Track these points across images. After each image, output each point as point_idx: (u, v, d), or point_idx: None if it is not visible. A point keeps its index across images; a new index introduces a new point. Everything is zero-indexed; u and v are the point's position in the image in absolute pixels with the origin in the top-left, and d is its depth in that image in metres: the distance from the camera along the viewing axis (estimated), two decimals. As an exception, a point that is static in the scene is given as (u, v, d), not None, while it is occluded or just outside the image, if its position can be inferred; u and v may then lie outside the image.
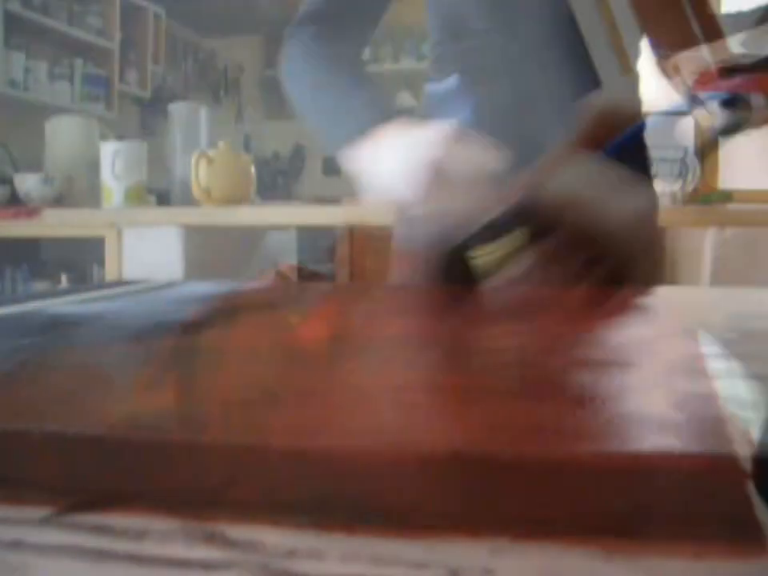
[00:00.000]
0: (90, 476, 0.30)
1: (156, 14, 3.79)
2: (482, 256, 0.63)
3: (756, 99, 0.80)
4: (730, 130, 0.82)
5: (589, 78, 0.89)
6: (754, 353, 0.48)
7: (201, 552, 0.27)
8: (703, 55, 0.86)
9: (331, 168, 4.97)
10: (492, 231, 0.62)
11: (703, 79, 0.83)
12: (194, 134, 2.37)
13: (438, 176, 0.64)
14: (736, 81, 0.82)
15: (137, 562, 0.26)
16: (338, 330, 0.59)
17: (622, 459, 0.27)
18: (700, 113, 0.84)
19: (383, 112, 0.77)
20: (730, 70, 0.83)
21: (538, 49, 0.92)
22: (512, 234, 0.62)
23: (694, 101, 0.83)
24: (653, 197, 1.05)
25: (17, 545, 0.28)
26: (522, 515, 0.27)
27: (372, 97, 0.81)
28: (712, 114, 0.81)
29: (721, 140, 0.78)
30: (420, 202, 0.66)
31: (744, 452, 0.27)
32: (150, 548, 0.27)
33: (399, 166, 0.67)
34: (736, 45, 0.85)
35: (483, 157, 0.64)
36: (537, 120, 0.87)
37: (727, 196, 2.32)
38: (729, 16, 0.85)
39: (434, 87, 0.98)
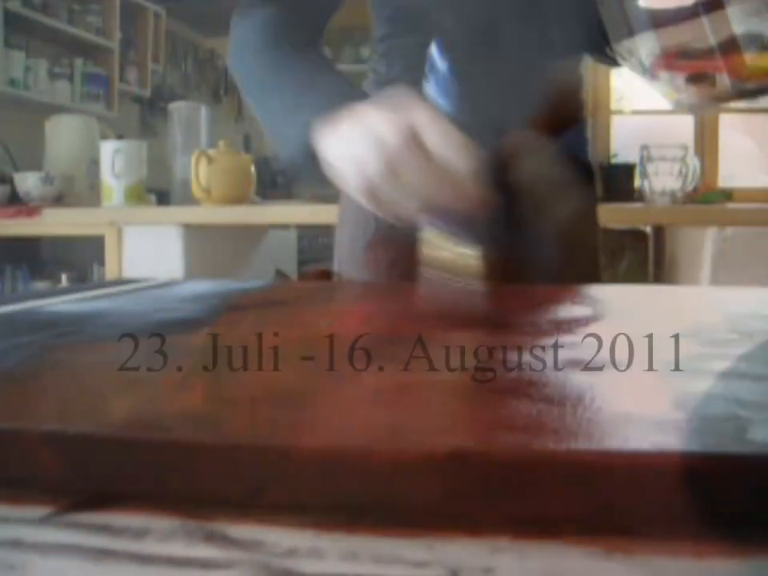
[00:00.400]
0: (90, 475, 0.30)
1: (156, 13, 3.79)
2: (438, 247, 0.59)
3: (721, 78, 0.81)
4: (699, 103, 0.83)
5: (554, 63, 0.87)
6: (754, 353, 0.48)
7: (201, 551, 0.27)
8: (654, 38, 0.86)
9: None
10: (465, 228, 0.58)
11: (662, 61, 0.84)
12: (194, 133, 2.37)
13: (409, 156, 0.56)
14: (695, 62, 0.83)
15: (137, 561, 0.26)
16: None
17: (621, 458, 0.27)
18: (664, 89, 0.84)
19: (351, 92, 0.69)
20: (684, 53, 0.83)
21: (499, 38, 0.91)
22: (466, 242, 0.59)
23: (654, 80, 0.83)
24: (591, 196, 1.02)
25: (17, 544, 0.28)
26: (522, 514, 0.27)
27: (338, 77, 0.73)
28: (678, 90, 0.81)
29: (692, 112, 0.79)
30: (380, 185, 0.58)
31: (743, 452, 0.27)
32: (150, 547, 0.27)
33: (362, 139, 0.59)
34: (685, 32, 0.86)
35: (463, 143, 0.57)
36: (500, 110, 0.86)
37: (727, 195, 2.32)
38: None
39: (377, 83, 0.94)
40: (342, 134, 0.62)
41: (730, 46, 0.81)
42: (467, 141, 0.57)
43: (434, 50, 0.63)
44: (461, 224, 0.58)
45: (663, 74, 0.84)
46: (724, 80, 0.82)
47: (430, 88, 0.63)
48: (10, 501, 0.30)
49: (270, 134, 0.77)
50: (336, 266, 1.00)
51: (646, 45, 0.87)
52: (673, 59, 0.84)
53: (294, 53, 0.77)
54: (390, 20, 0.94)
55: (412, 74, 0.90)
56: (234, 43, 0.84)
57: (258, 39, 0.80)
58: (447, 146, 0.57)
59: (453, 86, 0.62)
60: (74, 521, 0.29)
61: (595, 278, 0.99)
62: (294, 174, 0.70)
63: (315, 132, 0.66)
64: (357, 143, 0.59)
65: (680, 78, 0.83)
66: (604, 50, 0.91)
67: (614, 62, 0.93)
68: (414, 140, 0.56)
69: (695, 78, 0.82)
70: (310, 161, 0.67)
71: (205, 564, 0.26)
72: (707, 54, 0.83)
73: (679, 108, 0.85)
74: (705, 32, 0.84)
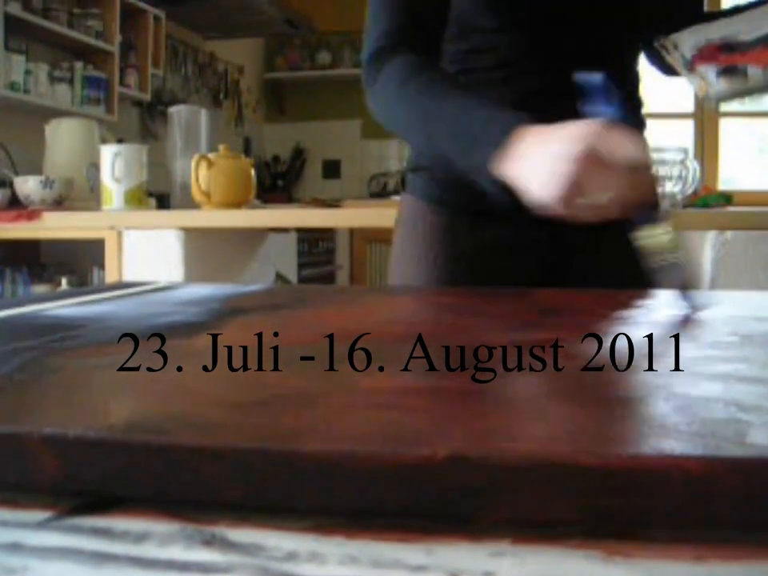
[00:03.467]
0: (90, 479, 0.30)
1: (156, 16, 3.79)
2: (652, 237, 0.68)
3: (753, 70, 0.81)
4: (727, 96, 0.84)
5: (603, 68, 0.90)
6: (754, 356, 0.48)
7: (201, 555, 0.27)
8: (703, 32, 0.87)
9: (331, 171, 4.97)
10: (657, 214, 0.67)
11: (703, 54, 0.84)
12: (194, 137, 2.37)
13: (595, 167, 0.65)
14: (735, 55, 0.83)
15: (137, 565, 0.26)
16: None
17: (621, 462, 0.27)
18: (697, 83, 0.85)
19: (511, 119, 0.76)
20: (729, 46, 0.84)
21: (547, 44, 0.93)
22: (666, 221, 0.68)
23: (691, 73, 0.85)
24: None
25: (16, 547, 0.28)
26: (522, 518, 0.27)
27: (491, 110, 0.79)
28: (710, 84, 0.82)
29: (718, 105, 0.80)
30: (578, 195, 0.67)
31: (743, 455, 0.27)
32: (150, 551, 0.27)
33: (554, 165, 0.67)
34: (737, 23, 0.87)
35: (633, 144, 0.66)
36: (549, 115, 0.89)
37: (727, 198, 2.32)
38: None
39: None
40: (529, 162, 0.70)
41: None
42: (636, 138, 0.66)
43: (580, 75, 0.70)
44: (647, 211, 0.68)
45: (700, 68, 0.85)
46: (756, 73, 0.83)
47: (590, 105, 0.70)
48: (10, 504, 0.30)
49: (456, 163, 0.82)
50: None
51: (693, 37, 0.88)
52: (714, 52, 0.84)
53: (440, 82, 0.84)
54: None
55: (468, 79, 0.93)
56: (376, 91, 0.89)
57: (401, 77, 0.84)
58: (625, 148, 0.65)
59: (612, 94, 0.69)
60: (74, 524, 0.29)
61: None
62: (494, 198, 0.79)
63: (498, 164, 0.74)
64: (546, 166, 0.67)
65: (712, 72, 0.84)
66: (652, 44, 0.92)
67: (655, 59, 0.94)
68: (596, 152, 0.65)
69: (727, 71, 0.83)
70: (500, 186, 0.75)
71: (204, 568, 0.26)
72: (750, 46, 0.84)
73: (708, 102, 0.86)
74: (753, 24, 0.85)
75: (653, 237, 0.68)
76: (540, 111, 0.91)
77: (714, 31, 0.89)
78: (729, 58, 0.83)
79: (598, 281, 0.94)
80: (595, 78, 0.70)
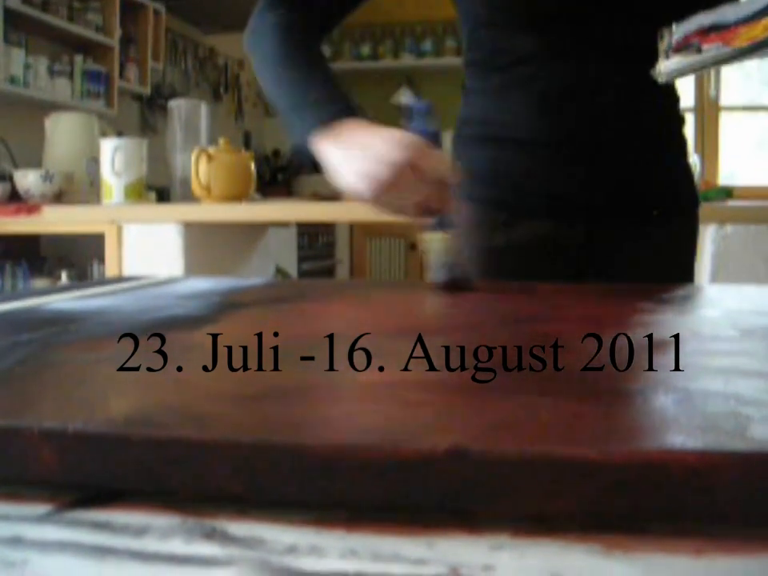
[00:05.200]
0: (90, 473, 0.30)
1: (156, 10, 3.78)
2: (437, 240, 0.80)
3: (709, 46, 0.82)
4: (674, 72, 0.85)
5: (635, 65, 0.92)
6: (755, 349, 0.48)
7: (201, 548, 0.27)
8: (701, 18, 0.87)
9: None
10: (445, 223, 0.79)
11: (686, 40, 0.85)
12: (194, 131, 2.37)
13: (407, 174, 0.74)
14: (711, 36, 0.83)
15: (137, 558, 0.27)
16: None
17: (621, 456, 0.27)
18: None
19: (346, 106, 0.83)
20: (716, 28, 0.84)
21: (567, 40, 0.94)
22: (450, 229, 0.80)
23: (666, 60, 0.86)
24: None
25: (17, 541, 0.28)
26: (522, 512, 0.27)
27: (334, 91, 0.86)
28: (663, 61, 0.84)
29: (667, 80, 0.85)
30: (376, 194, 0.75)
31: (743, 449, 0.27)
32: (150, 544, 0.27)
33: (370, 158, 0.75)
34: (732, 6, 0.86)
35: (442, 163, 0.76)
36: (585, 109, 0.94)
37: (727, 193, 2.32)
38: None
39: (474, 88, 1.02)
40: (348, 149, 0.78)
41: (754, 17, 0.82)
42: (448, 158, 0.78)
43: (406, 96, 0.90)
44: (439, 220, 0.79)
45: (676, 55, 0.85)
46: (710, 48, 0.83)
47: (412, 123, 0.82)
48: (10, 498, 0.30)
49: (282, 119, 0.90)
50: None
51: (689, 24, 0.88)
52: (697, 36, 0.84)
53: (303, 53, 0.90)
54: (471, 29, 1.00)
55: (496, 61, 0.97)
56: (251, 34, 0.96)
57: (274, 35, 0.92)
58: (437, 163, 0.75)
59: (433, 120, 0.83)
60: (74, 518, 0.29)
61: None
62: (297, 160, 0.85)
63: (316, 137, 0.81)
64: (366, 160, 0.75)
65: (669, 51, 0.85)
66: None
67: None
68: (413, 162, 0.73)
69: (680, 47, 0.83)
70: (310, 157, 0.83)
71: (205, 561, 0.26)
72: (727, 26, 0.83)
73: (658, 76, 0.85)
74: (744, 6, 0.84)
75: (436, 240, 0.80)
76: (560, 109, 0.92)
77: (710, 16, 0.88)
78: (706, 38, 0.83)
79: (625, 281, 0.95)
80: (422, 104, 0.84)
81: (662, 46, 0.87)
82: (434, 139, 0.78)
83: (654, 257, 1.02)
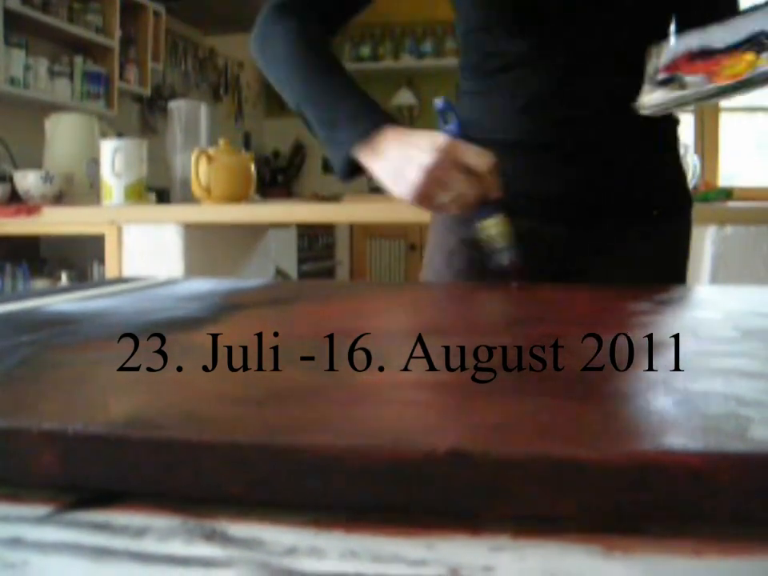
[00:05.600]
0: (90, 474, 0.30)
1: (156, 11, 3.78)
2: (489, 227, 0.84)
3: (693, 79, 0.82)
4: (657, 106, 0.85)
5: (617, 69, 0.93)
6: (755, 350, 0.48)
7: (201, 549, 0.27)
8: (688, 40, 0.86)
9: (331, 166, 4.96)
10: (495, 208, 0.83)
11: (673, 64, 0.85)
12: (194, 132, 2.37)
13: (445, 174, 0.78)
14: (697, 64, 0.83)
15: (137, 560, 0.27)
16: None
17: (622, 457, 0.27)
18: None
19: (380, 117, 0.86)
20: (703, 54, 0.84)
21: (554, 45, 0.95)
22: (503, 213, 0.84)
23: (650, 83, 0.86)
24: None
25: (17, 542, 0.28)
26: (522, 513, 0.27)
27: (366, 101, 0.89)
28: (645, 92, 0.85)
29: (651, 112, 0.85)
30: (424, 198, 0.80)
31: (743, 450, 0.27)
32: (150, 545, 0.27)
33: (412, 163, 0.79)
34: (720, 30, 0.85)
35: (477, 154, 0.80)
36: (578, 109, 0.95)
37: (727, 194, 2.32)
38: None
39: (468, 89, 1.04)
40: (390, 162, 0.82)
41: (738, 47, 0.82)
42: (481, 150, 0.80)
43: (440, 104, 0.86)
44: (487, 208, 0.83)
45: (664, 77, 0.85)
46: (696, 81, 0.82)
47: (440, 124, 0.85)
48: (10, 499, 0.30)
49: (314, 131, 0.92)
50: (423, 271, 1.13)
51: (677, 45, 0.88)
52: (684, 62, 0.84)
53: (324, 59, 0.93)
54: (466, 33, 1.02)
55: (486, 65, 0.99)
56: (264, 38, 0.97)
57: (289, 40, 0.93)
58: (477, 157, 0.79)
59: (453, 116, 0.85)
60: (74, 519, 0.29)
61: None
62: (343, 179, 0.92)
63: (358, 153, 0.85)
64: (409, 167, 0.80)
65: (655, 83, 0.84)
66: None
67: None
68: (452, 159, 0.79)
69: (666, 80, 0.83)
70: (354, 171, 0.88)
71: (205, 562, 0.26)
72: (715, 54, 0.83)
73: (641, 110, 0.85)
74: (732, 31, 0.84)
75: (490, 227, 0.84)
76: (547, 112, 0.93)
77: (697, 39, 0.88)
78: (691, 67, 0.83)
79: (611, 282, 0.96)
80: (438, 102, 0.86)
81: (650, 66, 0.87)
82: (458, 134, 0.83)
83: (643, 257, 1.03)
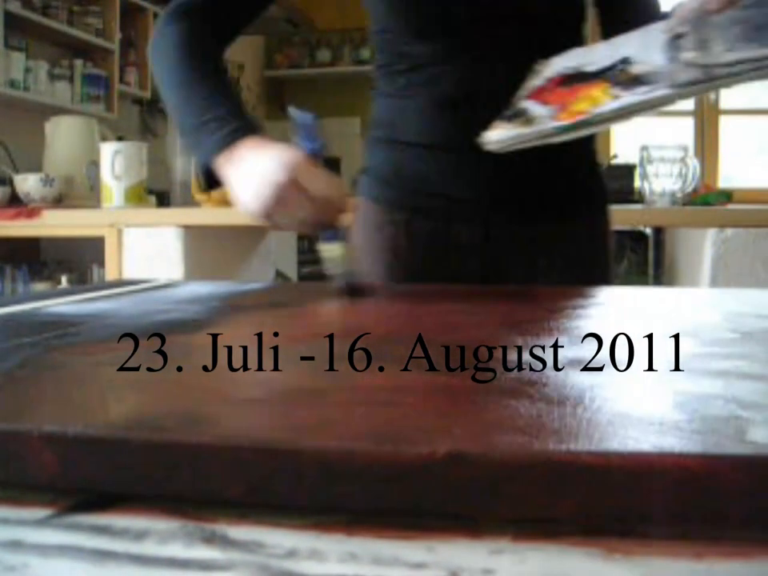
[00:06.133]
0: (90, 476, 0.30)
1: (156, 14, 3.79)
2: (330, 251, 0.84)
3: (541, 113, 0.82)
4: (504, 142, 0.82)
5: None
6: (754, 353, 0.48)
7: (201, 552, 0.27)
8: (567, 59, 0.86)
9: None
10: (335, 233, 0.84)
11: (543, 88, 0.84)
12: (194, 135, 2.37)
13: (293, 193, 0.78)
14: (564, 90, 0.82)
15: (137, 562, 0.26)
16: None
17: (621, 459, 0.27)
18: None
19: (243, 122, 0.87)
20: (574, 78, 0.83)
21: (460, 48, 0.95)
22: (343, 240, 0.85)
23: (512, 109, 0.84)
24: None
25: (17, 545, 0.28)
26: (522, 515, 0.27)
27: (233, 108, 0.90)
28: (494, 127, 0.83)
29: (497, 151, 0.83)
30: (269, 213, 0.80)
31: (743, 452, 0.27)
32: (150, 548, 0.27)
33: (258, 178, 0.79)
34: (596, 51, 0.83)
35: (326, 180, 0.80)
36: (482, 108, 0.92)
37: (727, 196, 2.32)
38: None
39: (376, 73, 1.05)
40: (241, 171, 0.83)
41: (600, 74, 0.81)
42: (331, 175, 0.81)
43: (293, 110, 0.86)
44: (330, 232, 0.83)
45: (512, 111, 0.84)
46: (538, 109, 0.81)
47: (298, 138, 0.84)
48: (10, 502, 0.30)
49: (183, 137, 0.94)
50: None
51: (557, 64, 0.86)
52: (553, 86, 0.83)
53: (204, 69, 0.94)
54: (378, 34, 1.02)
55: (392, 68, 0.99)
56: (156, 40, 0.99)
57: (177, 44, 0.95)
58: (320, 182, 0.79)
59: (317, 132, 0.85)
60: (74, 522, 0.29)
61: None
62: (202, 180, 0.92)
63: (217, 159, 0.85)
64: (254, 181, 0.79)
65: (505, 114, 0.83)
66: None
67: None
68: (296, 181, 0.78)
69: (514, 114, 0.82)
70: (211, 177, 0.88)
71: (205, 565, 0.26)
72: (587, 78, 0.82)
73: (487, 145, 0.83)
74: (605, 53, 0.82)
75: (331, 251, 0.84)
76: (459, 113, 0.92)
77: (577, 59, 0.85)
78: (551, 95, 0.81)
79: (532, 283, 0.97)
80: (306, 117, 0.85)
81: (522, 89, 0.85)
82: (318, 154, 0.83)
83: (562, 258, 1.04)
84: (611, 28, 0.96)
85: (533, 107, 0.82)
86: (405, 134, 0.98)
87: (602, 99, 0.77)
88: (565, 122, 0.78)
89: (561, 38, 0.95)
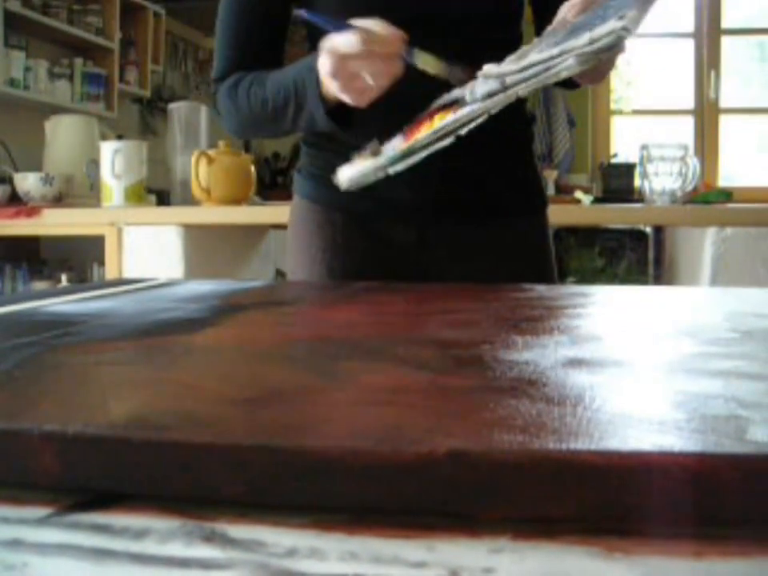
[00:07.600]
0: (90, 475, 0.30)
1: (156, 13, 3.79)
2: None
3: (394, 141, 0.84)
4: (353, 179, 0.84)
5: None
6: (754, 352, 0.48)
7: (201, 551, 0.27)
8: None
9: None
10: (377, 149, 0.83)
11: (417, 120, 0.85)
12: (194, 134, 2.37)
13: (344, 63, 0.81)
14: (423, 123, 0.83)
15: (137, 562, 0.27)
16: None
17: (621, 458, 0.27)
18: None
19: (306, 66, 0.90)
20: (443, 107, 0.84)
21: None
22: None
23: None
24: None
25: (16, 544, 0.28)
26: (522, 515, 0.27)
27: (292, 72, 0.93)
28: (349, 164, 0.87)
29: (350, 188, 0.86)
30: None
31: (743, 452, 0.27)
32: (149, 547, 0.27)
33: (328, 78, 0.84)
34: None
35: (345, 38, 0.81)
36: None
37: (727, 195, 2.32)
38: None
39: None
40: (329, 86, 0.86)
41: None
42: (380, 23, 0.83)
43: (312, 16, 0.88)
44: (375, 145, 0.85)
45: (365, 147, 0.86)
46: (387, 148, 0.82)
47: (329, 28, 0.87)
48: (10, 501, 0.30)
49: (287, 121, 0.97)
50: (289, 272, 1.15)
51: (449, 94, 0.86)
52: (424, 118, 0.84)
53: (267, 73, 0.98)
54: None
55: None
56: (223, 106, 1.03)
57: (238, 87, 1.00)
58: (355, 36, 0.80)
59: (322, 20, 0.87)
60: (74, 521, 0.29)
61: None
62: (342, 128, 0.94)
63: (323, 93, 0.88)
64: (333, 84, 0.84)
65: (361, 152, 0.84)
66: None
67: None
68: (341, 57, 0.81)
69: (366, 148, 0.84)
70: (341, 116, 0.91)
71: (205, 564, 0.26)
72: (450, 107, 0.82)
73: (342, 183, 0.85)
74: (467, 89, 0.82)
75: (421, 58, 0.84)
76: (391, 117, 0.93)
77: (473, 84, 0.83)
78: (418, 126, 0.83)
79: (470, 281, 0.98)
80: (303, 13, 0.89)
81: (435, 103, 0.86)
82: (334, 28, 0.85)
83: (499, 257, 1.05)
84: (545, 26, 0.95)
85: (393, 141, 0.85)
86: (339, 135, 0.98)
87: (437, 125, 0.80)
88: (397, 151, 0.81)
89: (489, 43, 0.95)
